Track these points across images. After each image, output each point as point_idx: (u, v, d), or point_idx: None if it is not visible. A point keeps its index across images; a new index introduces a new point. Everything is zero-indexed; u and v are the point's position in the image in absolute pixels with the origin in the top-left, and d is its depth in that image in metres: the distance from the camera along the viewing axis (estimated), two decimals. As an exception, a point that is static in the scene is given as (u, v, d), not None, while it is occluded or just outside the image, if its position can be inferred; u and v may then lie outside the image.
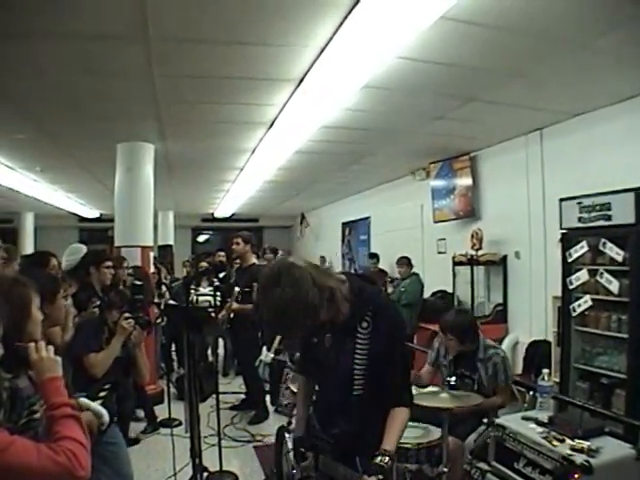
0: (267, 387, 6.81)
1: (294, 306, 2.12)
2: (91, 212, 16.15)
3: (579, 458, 2.82)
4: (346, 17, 3.65)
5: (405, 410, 2.40)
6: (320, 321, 2.24)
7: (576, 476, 2.77)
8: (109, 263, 5.22)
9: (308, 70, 4.64)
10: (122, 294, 4.25)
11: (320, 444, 2.38)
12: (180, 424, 6.04)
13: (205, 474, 4.63)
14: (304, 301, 2.13)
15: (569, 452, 2.90)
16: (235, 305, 6.42)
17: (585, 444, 2.94)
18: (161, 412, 6.55)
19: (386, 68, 4.52)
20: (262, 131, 6.76)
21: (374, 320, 2.36)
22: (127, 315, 3.72)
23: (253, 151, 7.92)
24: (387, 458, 2.22)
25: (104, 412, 2.80)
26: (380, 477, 2.17)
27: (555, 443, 3.02)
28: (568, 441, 3.01)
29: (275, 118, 6.12)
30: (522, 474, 3.15)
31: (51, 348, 1.97)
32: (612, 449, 3.00)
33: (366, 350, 2.34)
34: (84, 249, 5.67)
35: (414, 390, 4.20)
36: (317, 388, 2.66)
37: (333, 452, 2.35)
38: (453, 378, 4.05)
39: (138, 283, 5.83)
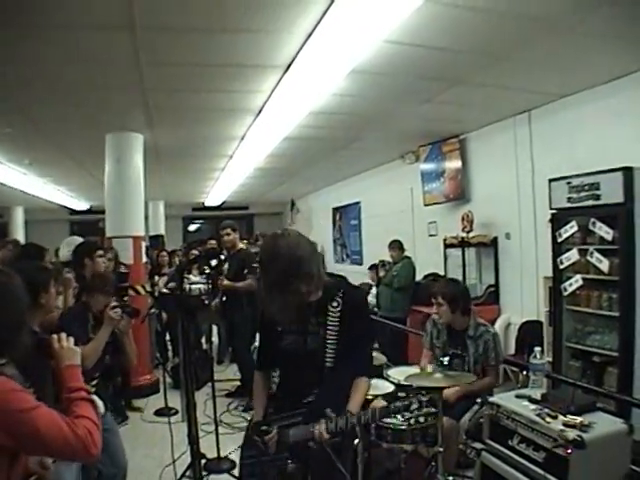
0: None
1: (300, 249, 2.45)
2: (81, 204, 16.09)
3: (572, 433, 2.86)
4: (332, 2, 3.64)
5: (367, 380, 2.73)
6: (306, 290, 2.50)
7: (569, 451, 2.81)
8: (101, 252, 5.29)
9: (295, 56, 4.63)
10: (103, 277, 4.23)
11: (282, 423, 2.56)
12: (176, 413, 6.07)
13: (203, 461, 4.68)
14: (307, 249, 2.48)
15: (562, 428, 2.93)
16: (226, 282, 6.60)
17: (578, 420, 2.97)
18: (157, 401, 6.59)
19: (373, 53, 4.52)
20: (250, 118, 6.75)
21: (344, 300, 2.62)
22: (114, 304, 3.73)
23: (242, 138, 7.91)
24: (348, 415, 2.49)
25: (100, 403, 2.82)
26: (330, 423, 2.44)
27: (548, 420, 3.05)
28: (561, 417, 3.04)
29: (263, 105, 6.11)
30: (516, 451, 3.19)
31: (71, 339, 2.17)
32: (604, 424, 3.03)
33: (336, 326, 2.59)
34: (80, 240, 5.72)
35: (410, 370, 4.30)
36: (281, 373, 2.86)
37: (304, 419, 2.54)
38: (446, 358, 4.09)
39: (123, 271, 5.80)
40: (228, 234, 6.84)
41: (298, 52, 4.54)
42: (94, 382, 3.51)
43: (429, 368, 4.28)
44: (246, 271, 6.56)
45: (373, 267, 9.24)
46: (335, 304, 2.59)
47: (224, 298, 6.67)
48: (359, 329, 2.63)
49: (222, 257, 6.68)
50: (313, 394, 2.56)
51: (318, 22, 3.94)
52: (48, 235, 12.36)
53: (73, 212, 17.18)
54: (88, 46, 4.36)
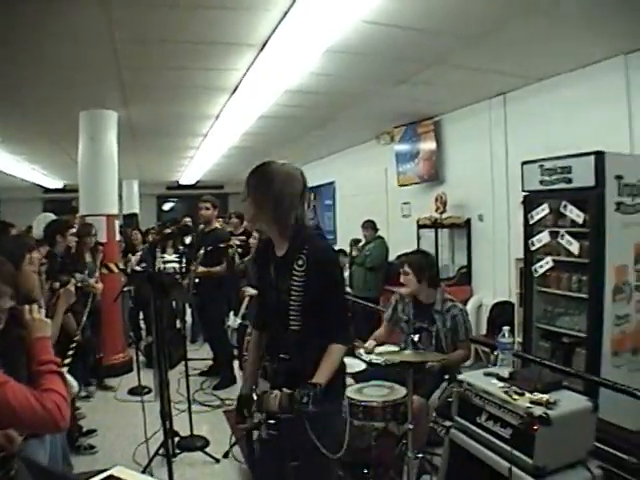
0: (236, 352, 6.84)
1: (290, 174, 2.65)
2: (55, 183, 15.93)
3: (538, 410, 2.91)
4: (308, -20, 3.63)
5: (340, 347, 2.48)
6: (291, 218, 2.60)
7: (535, 427, 2.86)
8: (73, 230, 5.27)
9: (271, 34, 4.60)
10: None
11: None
12: (150, 391, 6.07)
13: (176, 439, 4.70)
14: (297, 177, 2.66)
15: (528, 405, 2.98)
16: (201, 268, 6.44)
17: (544, 397, 3.02)
18: (131, 380, 6.59)
19: (350, 32, 4.51)
20: (226, 96, 6.71)
21: (308, 258, 2.47)
22: (75, 280, 3.56)
23: (217, 117, 7.87)
24: (310, 389, 2.29)
25: (74, 383, 2.83)
26: (282, 393, 2.29)
27: (515, 397, 3.09)
28: (528, 395, 3.09)
29: (238, 83, 6.08)
30: (484, 428, 3.23)
31: (42, 310, 2.22)
32: (570, 401, 3.08)
33: (301, 287, 2.45)
34: (53, 217, 5.66)
35: (379, 349, 4.33)
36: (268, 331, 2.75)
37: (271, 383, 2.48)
38: (417, 336, 4.13)
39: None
40: (207, 208, 6.69)
41: (274, 30, 4.51)
42: (68, 360, 3.49)
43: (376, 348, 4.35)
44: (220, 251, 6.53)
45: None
46: (300, 262, 2.46)
47: (197, 280, 6.58)
48: (326, 292, 2.45)
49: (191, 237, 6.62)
50: (279, 361, 2.49)
51: (295, 0, 3.92)
52: (21, 213, 12.24)
53: (47, 190, 17.02)
54: (62, 22, 4.29)
